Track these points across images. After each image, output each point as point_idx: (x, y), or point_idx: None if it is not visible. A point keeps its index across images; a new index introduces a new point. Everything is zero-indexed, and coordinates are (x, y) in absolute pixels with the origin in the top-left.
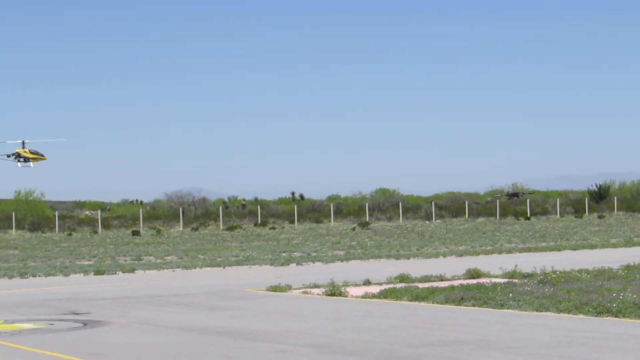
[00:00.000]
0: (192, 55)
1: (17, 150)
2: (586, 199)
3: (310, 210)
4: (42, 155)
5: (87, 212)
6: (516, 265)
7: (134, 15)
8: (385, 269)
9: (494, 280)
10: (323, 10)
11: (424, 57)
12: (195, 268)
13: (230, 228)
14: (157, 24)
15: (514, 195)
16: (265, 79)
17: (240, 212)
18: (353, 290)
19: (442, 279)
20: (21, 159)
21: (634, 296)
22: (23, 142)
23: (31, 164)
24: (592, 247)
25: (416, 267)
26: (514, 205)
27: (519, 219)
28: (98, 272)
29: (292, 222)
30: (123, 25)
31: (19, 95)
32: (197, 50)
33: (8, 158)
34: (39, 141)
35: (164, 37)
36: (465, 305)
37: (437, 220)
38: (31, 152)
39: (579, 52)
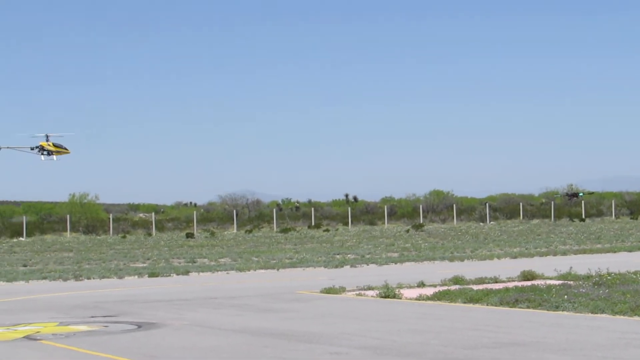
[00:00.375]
0: (247, 56)
1: (40, 143)
2: None
3: (363, 212)
4: (66, 149)
5: (141, 215)
6: (571, 267)
7: (186, 15)
8: (439, 271)
9: (548, 282)
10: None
11: (479, 57)
12: (249, 270)
13: (284, 230)
14: (206, 24)
15: (573, 195)
16: (318, 80)
17: (294, 215)
18: (407, 292)
19: (496, 280)
20: (45, 152)
21: None
22: (47, 135)
23: (54, 157)
24: None
25: (470, 269)
26: (570, 207)
27: (573, 221)
28: (152, 275)
29: (346, 224)
30: (177, 24)
31: (69, 94)
32: (251, 51)
33: (32, 151)
34: (61, 135)
35: (215, 39)
36: (520, 307)
37: (492, 222)
38: (55, 146)
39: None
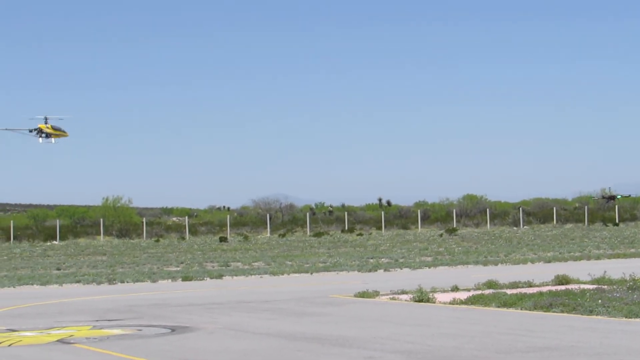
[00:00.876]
0: (278, 61)
1: (39, 126)
2: None
3: (397, 217)
4: (64, 132)
5: (174, 219)
6: (605, 272)
7: (229, 20)
8: (473, 275)
9: (582, 286)
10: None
11: (507, 60)
12: (282, 274)
13: (318, 234)
14: (239, 28)
15: (610, 198)
16: (350, 84)
17: (327, 219)
18: (441, 297)
19: (530, 285)
20: (43, 135)
21: None
22: (46, 118)
23: (52, 139)
24: None
25: (504, 273)
26: (603, 212)
27: (607, 225)
28: (186, 278)
29: (379, 228)
30: (214, 30)
31: (99, 97)
32: (283, 57)
33: (30, 133)
34: (60, 117)
35: (247, 43)
36: (554, 312)
37: (525, 227)
38: (53, 128)
39: None
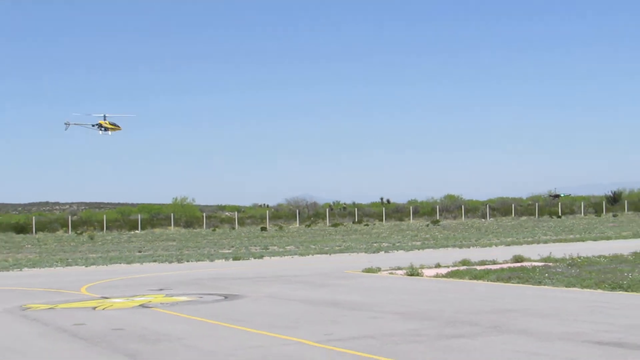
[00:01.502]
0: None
1: (99, 122)
2: (604, 202)
3: (394, 211)
4: (119, 126)
5: (227, 213)
6: (550, 253)
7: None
8: (452, 255)
9: (533, 263)
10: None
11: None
12: (308, 255)
13: (335, 225)
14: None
15: (555, 196)
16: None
17: (342, 213)
18: (427, 272)
19: (494, 263)
20: (102, 129)
21: None
22: (104, 115)
23: (109, 132)
24: (608, 238)
25: (475, 254)
26: (550, 207)
27: (552, 217)
28: (235, 258)
29: (381, 220)
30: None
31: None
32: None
33: (92, 127)
34: (115, 115)
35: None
36: (512, 283)
37: (491, 219)
38: (110, 124)
39: None
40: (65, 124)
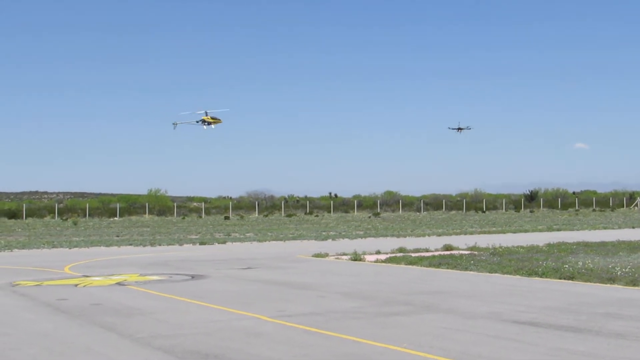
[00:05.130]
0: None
1: (202, 118)
2: (522, 199)
3: (341, 204)
4: (219, 119)
5: (195, 204)
6: (476, 243)
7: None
8: (390, 243)
9: (461, 252)
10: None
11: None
12: (265, 241)
13: (289, 215)
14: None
15: (459, 129)
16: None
17: (295, 205)
18: (368, 257)
19: (427, 250)
20: (205, 123)
21: (553, 264)
22: (206, 111)
23: (212, 126)
24: (526, 231)
25: (410, 242)
26: (475, 203)
27: (478, 212)
28: (202, 243)
29: (329, 212)
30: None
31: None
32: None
33: (197, 123)
34: (214, 110)
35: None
36: (442, 268)
37: (424, 212)
38: (212, 118)
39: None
40: (173, 124)
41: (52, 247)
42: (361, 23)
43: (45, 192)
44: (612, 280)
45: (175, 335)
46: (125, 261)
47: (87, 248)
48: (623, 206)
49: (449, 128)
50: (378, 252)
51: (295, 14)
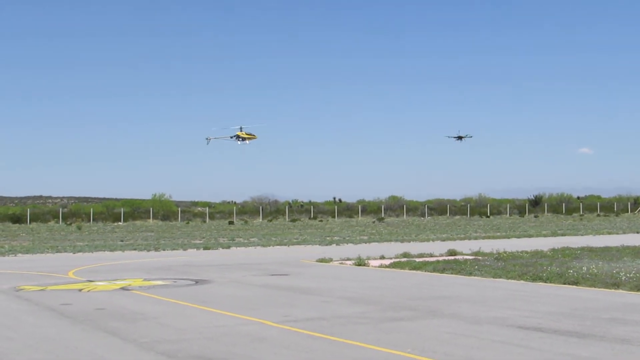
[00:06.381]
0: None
1: (237, 133)
2: (526, 204)
3: (345, 209)
4: (254, 135)
5: (199, 208)
6: (480, 247)
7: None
8: (394, 248)
9: (465, 257)
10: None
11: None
12: (269, 246)
13: (293, 220)
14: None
15: (459, 137)
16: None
17: (300, 210)
18: (373, 262)
19: (431, 255)
20: (240, 139)
21: (557, 269)
22: (241, 127)
23: (247, 141)
24: (530, 236)
25: (414, 247)
26: (479, 208)
27: (482, 217)
28: (206, 248)
29: (333, 217)
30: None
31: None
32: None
33: (231, 139)
34: (249, 125)
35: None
36: (446, 273)
37: (429, 217)
38: (247, 134)
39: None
40: (207, 139)
41: (56, 252)
42: (367, 28)
43: (50, 197)
44: (616, 285)
45: (179, 340)
46: (130, 266)
47: (91, 253)
48: (627, 211)
49: (448, 137)
50: (382, 257)
51: (296, 17)
